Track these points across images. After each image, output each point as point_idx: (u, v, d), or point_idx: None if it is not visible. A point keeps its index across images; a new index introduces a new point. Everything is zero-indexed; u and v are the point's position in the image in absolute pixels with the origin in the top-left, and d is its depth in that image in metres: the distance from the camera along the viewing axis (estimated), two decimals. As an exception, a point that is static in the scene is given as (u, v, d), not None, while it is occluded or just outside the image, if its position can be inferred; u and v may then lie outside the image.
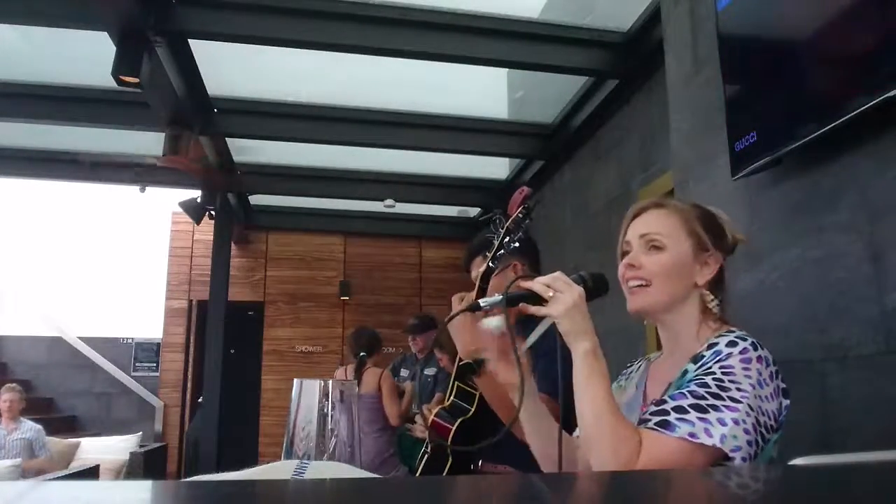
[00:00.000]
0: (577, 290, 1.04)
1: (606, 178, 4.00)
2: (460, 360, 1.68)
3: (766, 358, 0.97)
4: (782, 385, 0.99)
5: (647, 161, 3.48)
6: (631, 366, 1.26)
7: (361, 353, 3.77)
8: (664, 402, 0.95)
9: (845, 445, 1.51)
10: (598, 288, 1.10)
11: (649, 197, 3.44)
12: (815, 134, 1.53)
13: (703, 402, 0.92)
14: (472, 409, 1.61)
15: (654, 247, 1.11)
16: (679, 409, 0.92)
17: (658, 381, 1.11)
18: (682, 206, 1.14)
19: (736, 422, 0.90)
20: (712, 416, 0.91)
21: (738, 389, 0.92)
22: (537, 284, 1.05)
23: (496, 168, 5.55)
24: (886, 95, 1.31)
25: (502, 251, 1.50)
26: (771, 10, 1.76)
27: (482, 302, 1.11)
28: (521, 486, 0.55)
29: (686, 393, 0.94)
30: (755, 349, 0.97)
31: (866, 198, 1.49)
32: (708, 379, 0.94)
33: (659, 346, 1.22)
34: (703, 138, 2.13)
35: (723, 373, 0.94)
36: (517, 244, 1.50)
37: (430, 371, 4.25)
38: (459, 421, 1.60)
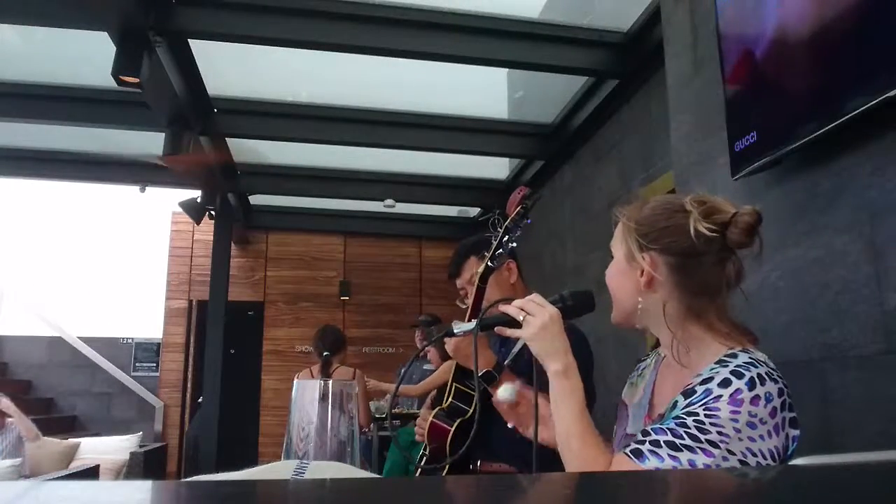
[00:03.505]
0: (549, 312, 1.05)
1: (606, 178, 4.01)
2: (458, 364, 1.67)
3: (767, 394, 0.90)
4: (790, 415, 0.93)
5: (647, 161, 3.48)
6: (646, 359, 1.23)
7: (326, 353, 3.75)
8: (647, 432, 0.94)
9: (845, 445, 1.51)
10: (579, 306, 1.12)
11: (649, 197, 3.44)
12: (815, 134, 1.53)
13: (678, 441, 0.89)
14: (471, 410, 1.60)
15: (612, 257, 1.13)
16: (655, 443, 0.91)
17: (664, 391, 1.08)
18: (628, 211, 1.10)
19: (707, 467, 0.87)
20: (684, 456, 0.88)
21: (720, 433, 0.88)
22: (511, 308, 1.08)
23: (496, 168, 5.55)
24: (886, 95, 1.31)
25: (501, 250, 1.51)
26: (771, 9, 1.76)
27: (456, 328, 1.14)
28: (520, 486, 0.55)
29: (666, 429, 0.92)
30: (751, 388, 0.89)
31: (866, 198, 1.48)
32: (689, 420, 0.90)
33: (658, 344, 1.21)
34: (703, 138, 2.13)
35: (706, 415, 0.89)
36: (515, 244, 1.51)
37: (429, 366, 4.30)
38: (458, 422, 1.60)
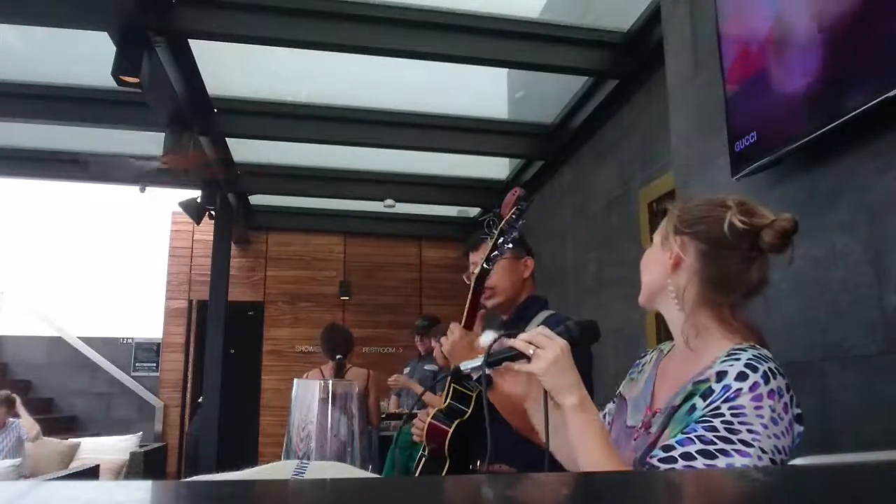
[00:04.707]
0: (559, 345, 1.02)
1: (606, 178, 4.01)
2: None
3: (779, 389, 0.91)
4: (797, 411, 0.93)
5: (647, 161, 3.48)
6: (644, 355, 1.24)
7: (339, 356, 3.75)
8: (672, 447, 0.91)
9: (845, 445, 1.51)
10: (585, 337, 1.10)
11: (649, 197, 3.45)
12: (815, 134, 1.53)
13: (711, 448, 0.88)
14: (469, 411, 1.60)
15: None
16: (687, 456, 0.89)
17: (667, 380, 1.09)
18: (678, 202, 1.14)
19: (747, 468, 0.85)
20: (721, 462, 0.87)
21: (750, 431, 0.87)
22: (519, 342, 1.05)
23: (496, 168, 5.55)
24: (886, 95, 1.31)
25: (496, 252, 1.51)
26: (771, 9, 1.76)
27: (462, 366, 1.12)
28: (521, 485, 0.55)
29: (694, 438, 0.90)
30: (766, 381, 0.90)
31: (866, 198, 1.49)
32: (716, 421, 0.89)
33: (658, 341, 1.22)
34: (703, 138, 2.13)
35: (732, 414, 0.89)
36: (510, 245, 1.51)
37: (430, 367, 4.32)
38: (456, 423, 1.60)
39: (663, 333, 3.07)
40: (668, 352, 1.15)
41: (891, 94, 1.30)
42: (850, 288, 1.52)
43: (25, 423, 4.68)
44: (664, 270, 1.08)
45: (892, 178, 1.41)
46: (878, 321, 1.43)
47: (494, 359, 1.07)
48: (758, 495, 0.48)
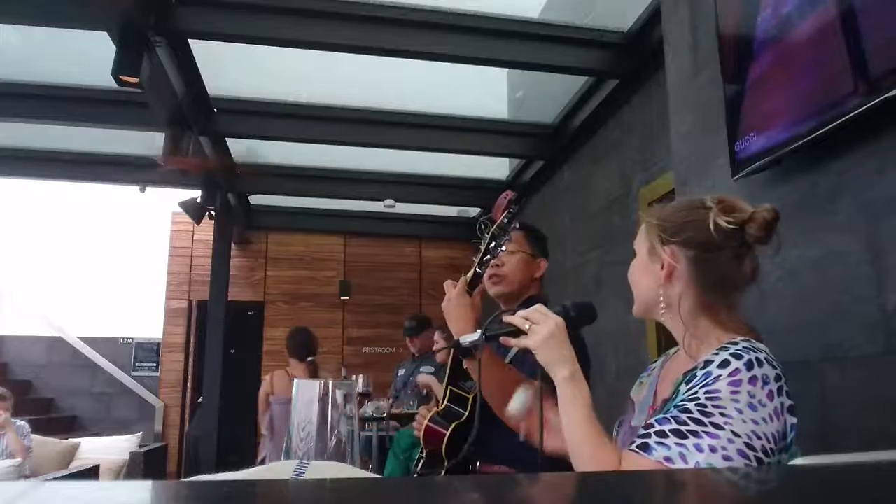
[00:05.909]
0: (554, 321, 1.07)
1: (606, 178, 4.01)
2: (453, 360, 1.67)
3: (764, 377, 0.92)
4: (788, 402, 0.94)
5: (647, 161, 3.48)
6: (656, 362, 1.26)
7: (310, 358, 3.85)
8: (651, 425, 0.95)
9: (845, 445, 1.51)
10: (582, 316, 1.14)
11: (649, 197, 3.45)
12: (815, 134, 1.53)
13: (683, 428, 0.90)
14: (466, 414, 1.60)
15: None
16: (660, 434, 0.92)
17: (667, 380, 1.11)
18: (655, 209, 1.13)
19: (713, 449, 0.88)
20: (690, 441, 0.89)
21: (722, 415, 0.89)
22: (516, 318, 1.10)
23: (496, 168, 5.55)
24: (886, 95, 1.31)
25: (489, 257, 1.51)
26: (771, 9, 1.76)
27: (462, 340, 1.16)
28: (520, 486, 0.55)
29: (670, 418, 0.93)
30: (749, 369, 0.92)
31: (866, 198, 1.48)
32: (691, 405, 0.92)
33: (659, 346, 1.22)
34: (703, 138, 2.13)
35: (707, 398, 0.91)
36: (503, 249, 1.52)
37: (426, 369, 4.31)
38: (453, 425, 1.60)
39: (664, 334, 3.07)
40: (673, 355, 1.18)
41: (891, 94, 1.30)
42: (850, 288, 1.52)
43: (11, 440, 4.65)
44: (657, 282, 1.08)
45: (893, 177, 1.41)
46: (878, 321, 1.43)
47: (491, 333, 1.13)
48: (757, 495, 0.48)
